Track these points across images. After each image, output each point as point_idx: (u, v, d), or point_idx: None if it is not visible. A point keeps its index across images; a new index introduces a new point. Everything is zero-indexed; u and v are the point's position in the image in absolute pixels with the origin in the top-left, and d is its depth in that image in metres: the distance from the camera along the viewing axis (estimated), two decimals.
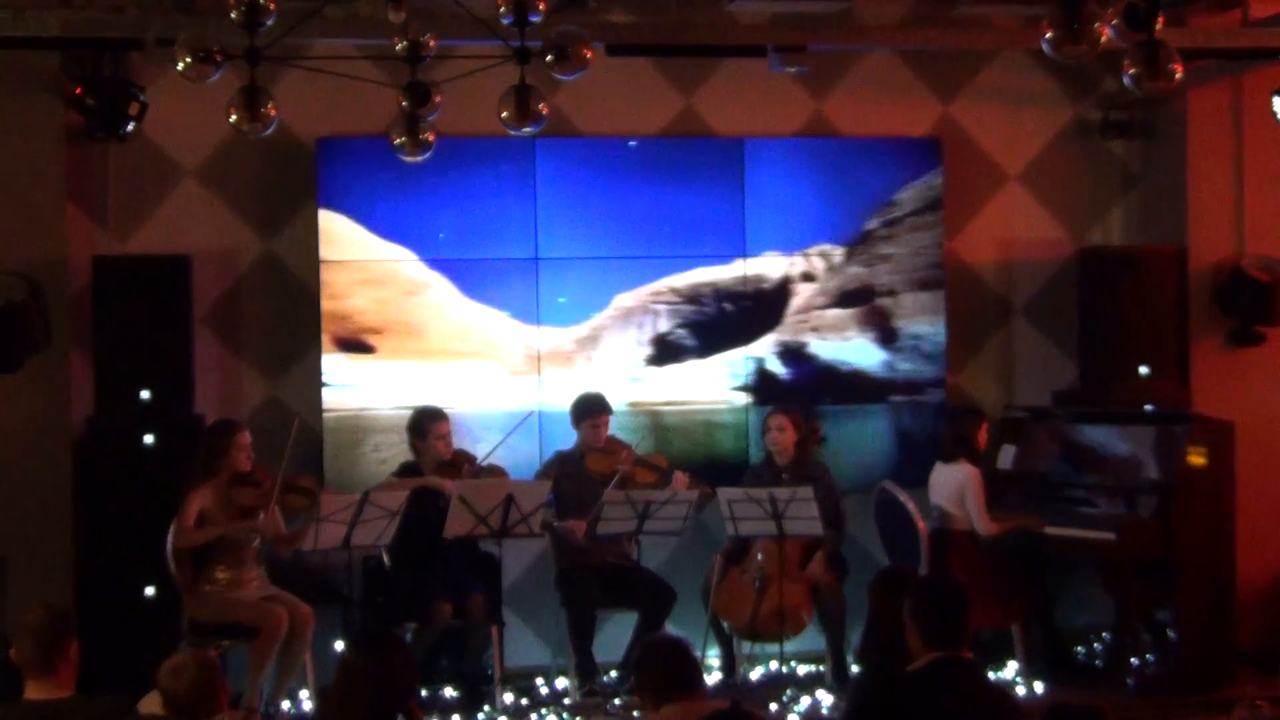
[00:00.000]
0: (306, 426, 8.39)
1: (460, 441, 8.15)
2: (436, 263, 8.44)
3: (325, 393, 8.33)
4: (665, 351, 8.70)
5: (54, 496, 7.97)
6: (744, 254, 8.75)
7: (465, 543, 7.79)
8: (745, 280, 8.74)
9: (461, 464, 7.93)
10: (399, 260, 8.40)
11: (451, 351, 8.48)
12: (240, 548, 7.48)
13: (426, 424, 7.98)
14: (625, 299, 8.66)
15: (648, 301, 8.68)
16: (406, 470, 8.01)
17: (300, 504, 7.53)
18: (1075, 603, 8.71)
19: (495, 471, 7.97)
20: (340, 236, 8.32)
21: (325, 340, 8.33)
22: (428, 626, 7.69)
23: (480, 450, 8.07)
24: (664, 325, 8.70)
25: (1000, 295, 9.27)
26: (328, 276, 8.31)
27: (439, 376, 8.42)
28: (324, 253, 8.30)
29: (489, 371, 8.50)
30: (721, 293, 8.73)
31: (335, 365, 8.32)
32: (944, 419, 8.60)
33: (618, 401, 8.39)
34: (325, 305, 8.31)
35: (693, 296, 8.72)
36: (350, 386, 8.34)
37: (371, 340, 8.38)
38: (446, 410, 8.10)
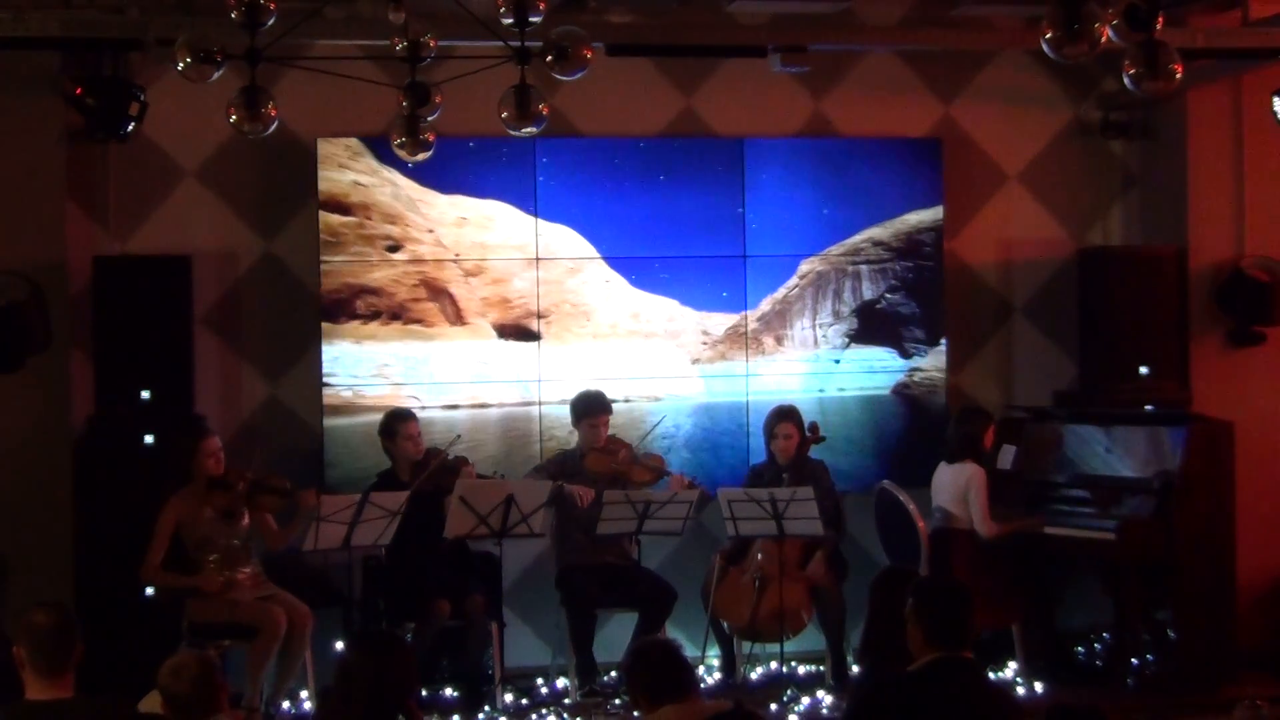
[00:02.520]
0: (306, 427, 8.40)
1: None
2: None
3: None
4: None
5: (54, 496, 7.97)
6: (744, 254, 8.75)
7: (464, 542, 7.79)
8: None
9: (430, 461, 7.91)
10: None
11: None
12: (228, 546, 7.50)
13: (395, 425, 7.99)
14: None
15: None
16: (383, 479, 7.98)
17: (274, 504, 7.55)
18: (1075, 603, 8.70)
19: (459, 462, 7.93)
20: None
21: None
22: (427, 626, 7.69)
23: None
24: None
25: (1000, 295, 9.27)
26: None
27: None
28: (325, 252, 8.31)
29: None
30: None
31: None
32: (952, 419, 8.60)
33: None
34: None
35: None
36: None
37: None
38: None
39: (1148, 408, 8.55)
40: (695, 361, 8.79)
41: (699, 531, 8.50)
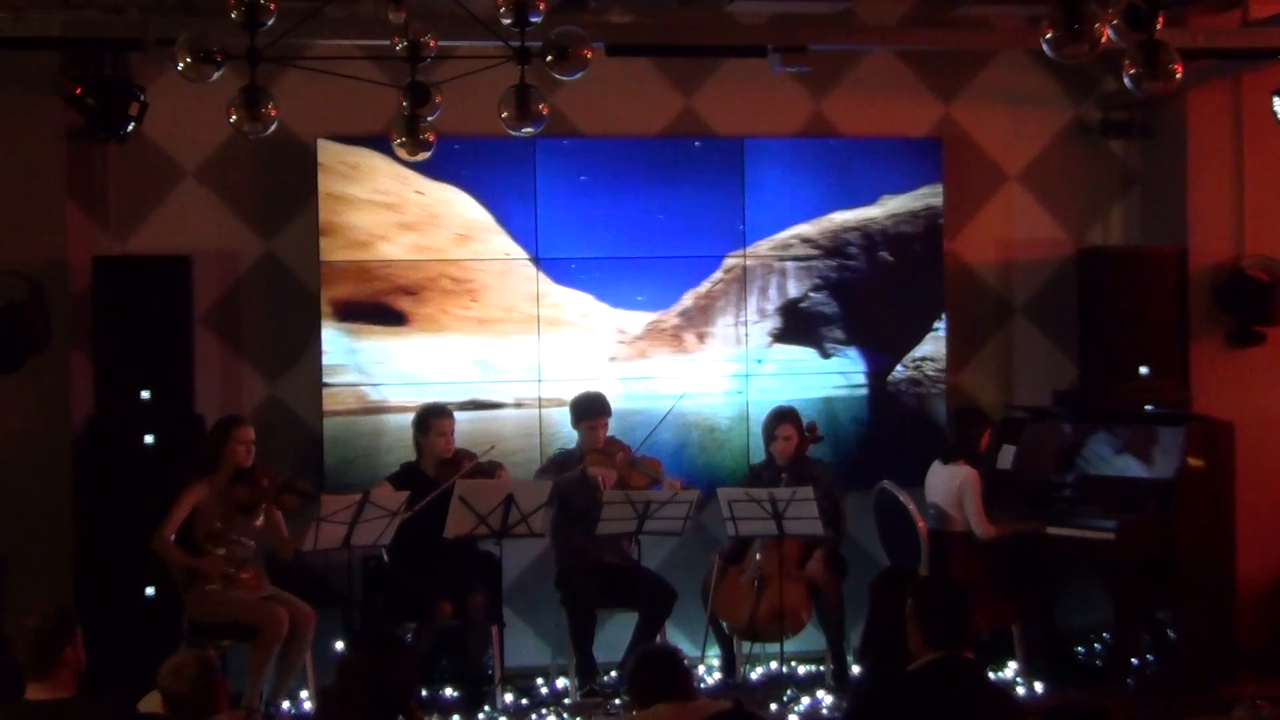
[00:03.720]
0: (308, 427, 8.40)
1: None
2: None
3: None
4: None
5: (54, 496, 7.97)
6: (744, 254, 8.75)
7: (465, 542, 7.79)
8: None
9: (461, 462, 7.92)
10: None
11: None
12: (237, 544, 7.49)
13: (430, 419, 7.98)
14: None
15: None
16: (406, 470, 8.00)
17: (296, 506, 7.54)
18: (1075, 603, 8.70)
19: (494, 468, 7.97)
20: None
21: None
22: (428, 626, 7.69)
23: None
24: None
25: (1000, 295, 9.27)
26: None
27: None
28: (325, 253, 8.31)
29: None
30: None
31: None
32: (949, 419, 8.60)
33: None
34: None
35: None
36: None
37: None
38: None
39: (1148, 408, 8.55)
40: (612, 360, 8.68)
41: (699, 531, 8.50)
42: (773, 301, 8.82)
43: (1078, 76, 9.12)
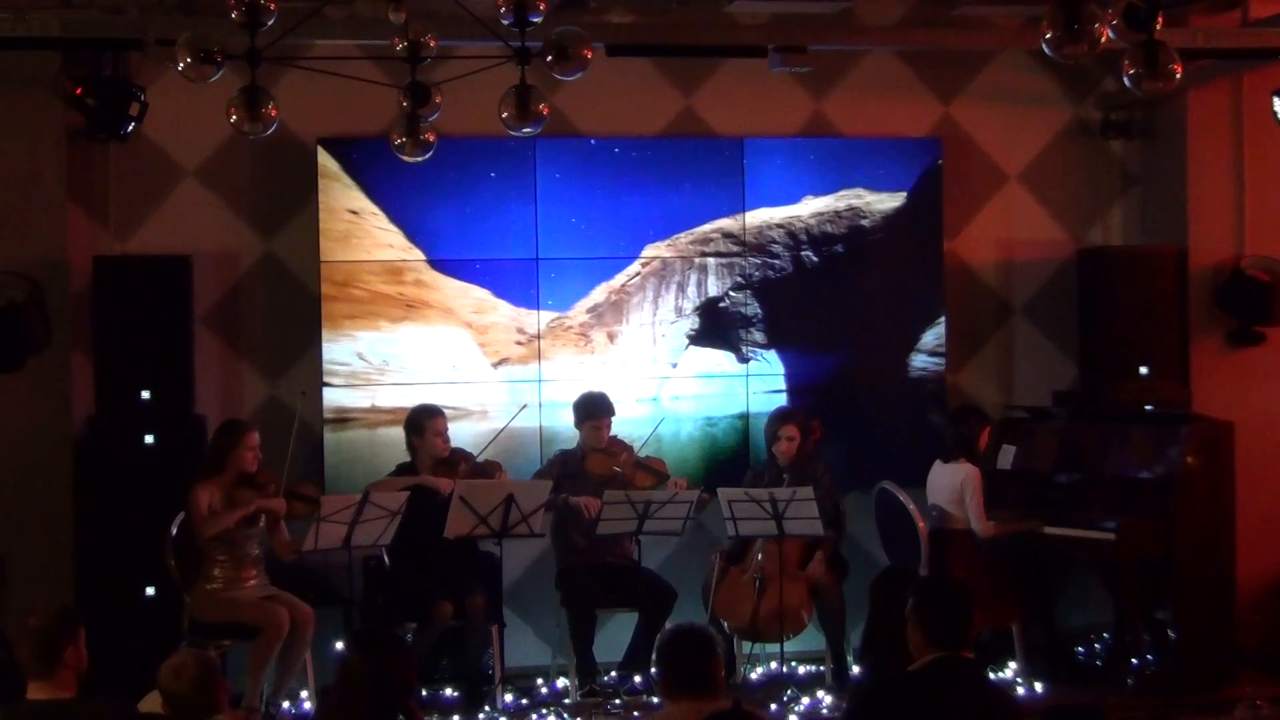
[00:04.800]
0: (307, 427, 8.40)
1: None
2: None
3: None
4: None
5: (54, 496, 7.97)
6: (744, 254, 8.75)
7: (465, 543, 7.79)
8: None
9: (458, 462, 7.93)
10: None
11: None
12: (240, 546, 7.48)
13: (424, 420, 7.98)
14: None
15: None
16: (403, 470, 8.01)
17: (302, 511, 7.54)
18: (1075, 603, 8.71)
19: (492, 467, 7.97)
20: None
21: None
22: (428, 626, 7.68)
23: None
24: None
25: (1000, 295, 9.27)
26: None
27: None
28: (325, 253, 8.31)
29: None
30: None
31: None
32: (948, 418, 8.60)
33: None
34: None
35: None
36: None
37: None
38: None
39: (1148, 408, 8.55)
40: (500, 363, 8.50)
41: (699, 531, 8.50)
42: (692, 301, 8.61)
43: (1078, 76, 9.12)
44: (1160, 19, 4.84)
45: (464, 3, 5.94)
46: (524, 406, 8.30)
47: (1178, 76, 4.89)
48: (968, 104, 9.17)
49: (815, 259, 8.76)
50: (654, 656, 5.00)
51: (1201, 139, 8.95)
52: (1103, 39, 4.75)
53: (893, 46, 8.89)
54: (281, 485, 7.47)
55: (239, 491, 7.46)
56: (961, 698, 4.73)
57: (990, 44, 8.97)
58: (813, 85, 8.90)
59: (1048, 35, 4.76)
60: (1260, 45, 8.32)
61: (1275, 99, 8.17)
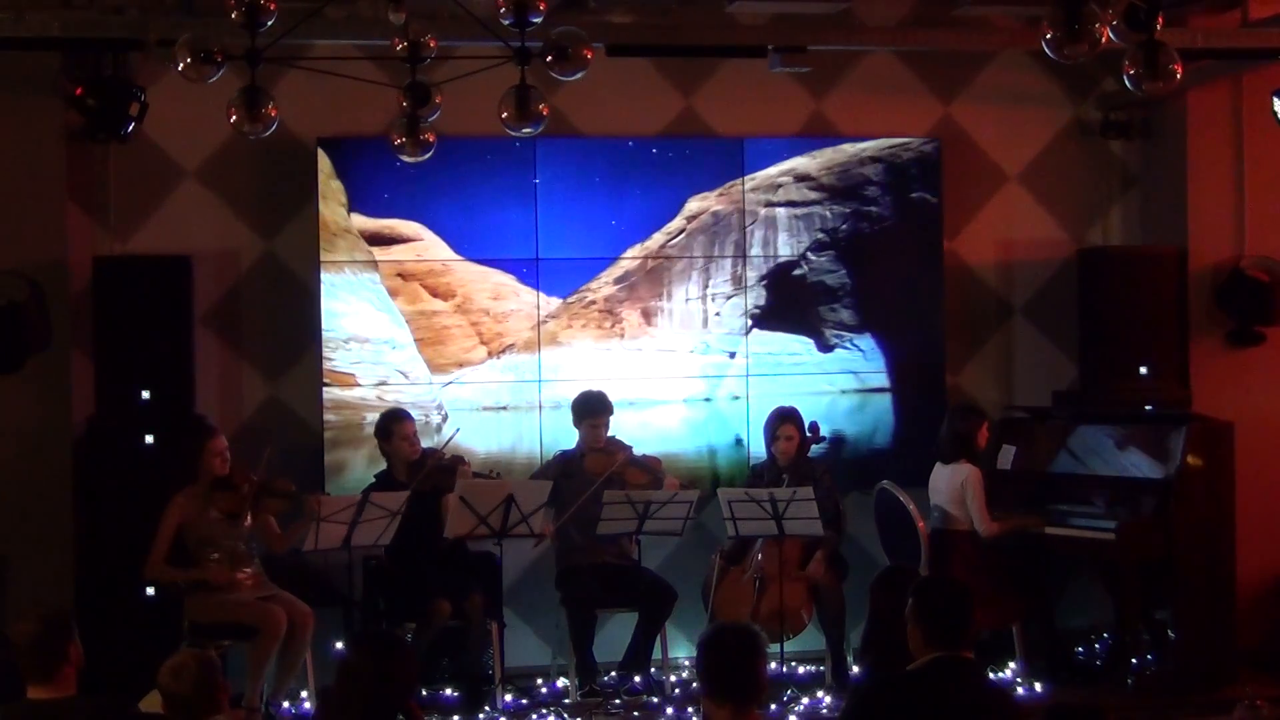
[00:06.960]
0: (306, 427, 8.41)
1: None
2: None
3: None
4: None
5: (54, 496, 7.97)
6: (744, 254, 8.73)
7: (459, 543, 7.79)
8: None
9: (427, 461, 7.91)
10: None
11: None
12: (227, 543, 7.50)
13: (392, 425, 7.98)
14: None
15: None
16: (379, 479, 7.97)
17: (279, 507, 7.55)
18: (1075, 603, 8.71)
19: (459, 463, 7.93)
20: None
21: None
22: (427, 626, 7.69)
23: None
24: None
25: (1000, 295, 9.27)
26: None
27: None
28: (324, 253, 8.31)
29: None
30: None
31: None
32: (945, 418, 8.60)
33: None
34: None
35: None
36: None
37: None
38: None
39: (1148, 408, 8.55)
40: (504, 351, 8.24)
41: (699, 531, 8.50)
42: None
43: (1078, 77, 9.13)
44: (1160, 19, 4.84)
45: (464, 3, 5.94)
46: (457, 430, 8.01)
47: (1178, 77, 4.89)
48: (967, 104, 9.17)
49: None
50: (698, 652, 4.78)
51: (1201, 139, 8.96)
52: (1103, 39, 4.75)
53: (893, 47, 8.89)
54: (256, 484, 7.47)
55: (215, 497, 7.48)
56: (961, 698, 4.73)
57: (990, 44, 8.97)
58: (813, 85, 8.91)
59: (1048, 35, 4.76)
60: (1260, 45, 8.31)
61: (1275, 99, 8.17)
